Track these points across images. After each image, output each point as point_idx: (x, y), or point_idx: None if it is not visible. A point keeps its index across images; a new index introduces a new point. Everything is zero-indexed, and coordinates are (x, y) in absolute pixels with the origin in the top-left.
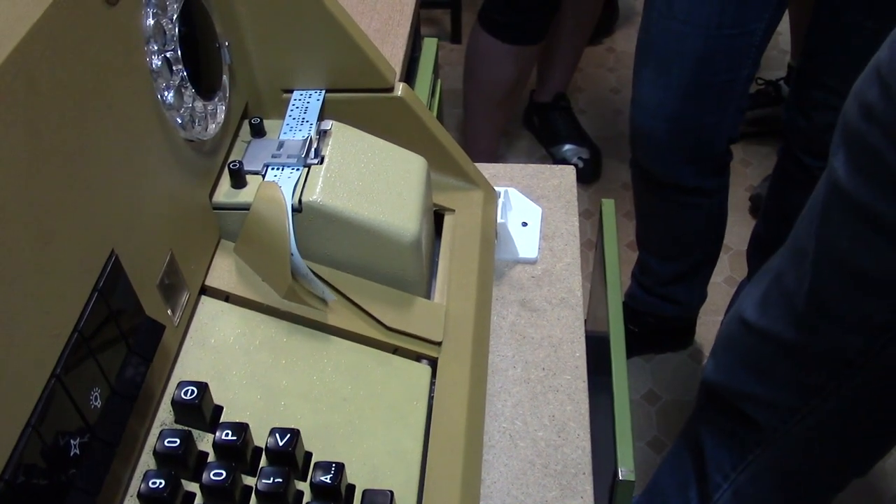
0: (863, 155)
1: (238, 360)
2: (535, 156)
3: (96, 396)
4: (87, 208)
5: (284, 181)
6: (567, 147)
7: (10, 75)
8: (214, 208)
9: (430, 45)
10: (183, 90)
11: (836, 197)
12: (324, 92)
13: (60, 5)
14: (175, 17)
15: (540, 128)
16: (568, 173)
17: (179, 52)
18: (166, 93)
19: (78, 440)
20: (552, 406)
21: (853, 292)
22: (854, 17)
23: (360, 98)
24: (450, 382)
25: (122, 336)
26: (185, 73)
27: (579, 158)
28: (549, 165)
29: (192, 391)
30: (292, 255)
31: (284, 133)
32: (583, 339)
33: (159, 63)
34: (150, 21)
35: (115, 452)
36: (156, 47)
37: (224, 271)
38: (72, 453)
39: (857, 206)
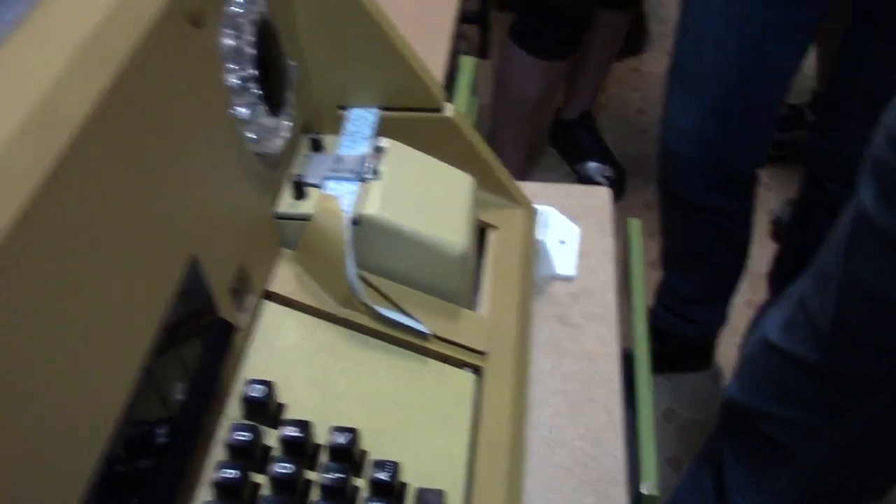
0: (892, 186)
1: (299, 363)
2: (559, 172)
3: (178, 390)
4: (173, 216)
5: (343, 194)
6: (592, 164)
7: (115, 94)
8: (277, 218)
9: (466, 64)
10: (255, 107)
11: (864, 227)
12: (379, 111)
13: (157, 28)
14: (251, 39)
15: (565, 144)
16: (603, 194)
17: (254, 72)
18: (241, 109)
19: (163, 430)
20: (588, 417)
21: (881, 318)
22: (880, 45)
23: (411, 117)
24: (495, 390)
25: (199, 335)
26: (258, 92)
27: (604, 176)
28: (584, 186)
29: (261, 389)
30: (348, 265)
31: (342, 149)
32: (617, 354)
33: (236, 81)
34: (230, 42)
35: (196, 443)
36: (234, 67)
37: (285, 278)
38: (158, 442)
39: (886, 237)
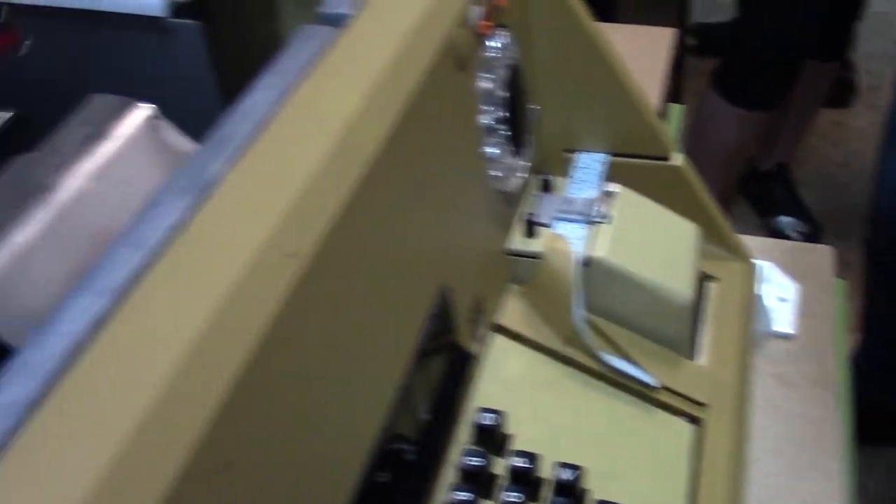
0: None
1: (524, 395)
2: (749, 224)
3: (422, 410)
4: (430, 245)
5: (571, 236)
6: (785, 219)
7: (398, 132)
8: (508, 254)
9: (675, 112)
10: (502, 147)
11: None
12: (608, 156)
13: (432, 70)
14: (503, 82)
15: (758, 196)
16: (824, 253)
17: (504, 114)
18: (491, 148)
19: (407, 449)
20: (808, 483)
21: None
22: None
23: (638, 164)
24: (716, 445)
25: (442, 360)
26: (505, 132)
27: (797, 232)
28: (805, 244)
29: (492, 417)
30: (575, 305)
31: (571, 191)
32: (838, 419)
33: (489, 122)
34: (486, 85)
35: (436, 463)
36: (487, 108)
37: (513, 312)
38: (402, 460)
39: None
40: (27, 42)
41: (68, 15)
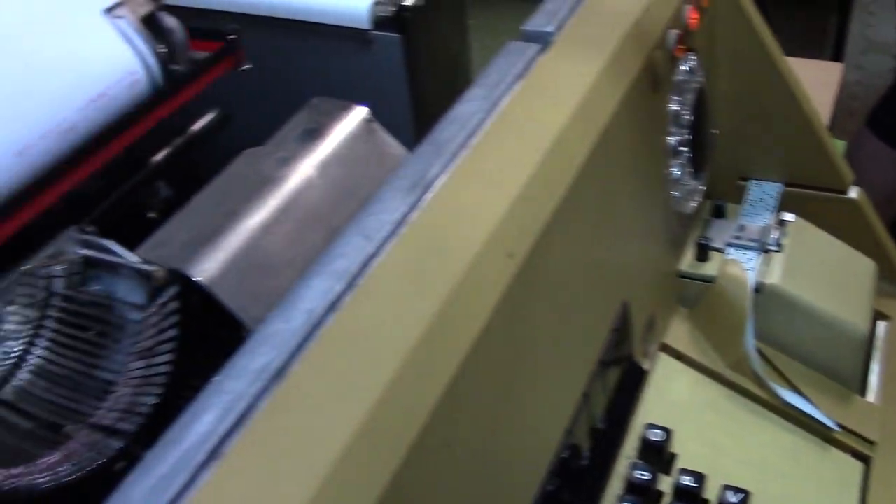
0: None
1: (688, 415)
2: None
3: (598, 418)
4: (615, 260)
5: (745, 262)
6: None
7: (599, 146)
8: (680, 276)
9: (837, 148)
10: (684, 169)
11: None
12: (782, 186)
13: (630, 89)
14: (689, 106)
15: None
16: None
17: (689, 136)
18: (674, 170)
19: (579, 457)
20: None
21: None
22: None
23: (813, 195)
24: (885, 484)
25: (617, 373)
26: (688, 154)
27: None
28: None
29: (660, 434)
30: (748, 332)
31: (744, 217)
32: None
33: (674, 143)
34: (674, 108)
35: (607, 472)
36: (674, 130)
37: (680, 333)
38: (573, 467)
39: None
40: (247, 66)
41: (279, 24)
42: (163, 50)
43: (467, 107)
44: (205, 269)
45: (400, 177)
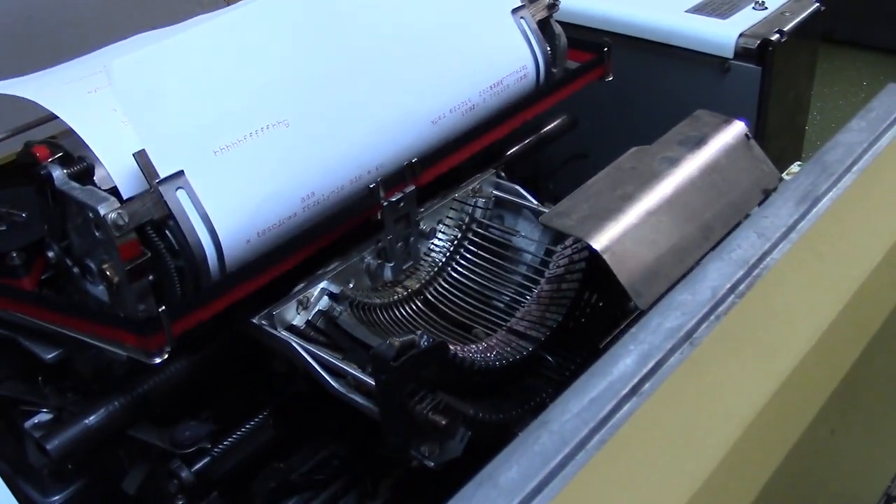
0: None
1: None
2: None
3: None
4: None
5: None
6: None
7: None
8: None
9: None
10: None
11: None
12: None
13: None
14: None
15: None
16: None
17: None
18: None
19: None
20: None
21: None
22: None
23: None
24: None
25: None
26: None
27: None
28: None
29: None
30: None
31: None
32: None
33: None
34: None
35: None
36: None
37: None
38: None
39: None
40: (609, 78)
41: (645, 45)
42: (549, 52)
43: (851, 136)
44: (601, 240)
45: (791, 188)
